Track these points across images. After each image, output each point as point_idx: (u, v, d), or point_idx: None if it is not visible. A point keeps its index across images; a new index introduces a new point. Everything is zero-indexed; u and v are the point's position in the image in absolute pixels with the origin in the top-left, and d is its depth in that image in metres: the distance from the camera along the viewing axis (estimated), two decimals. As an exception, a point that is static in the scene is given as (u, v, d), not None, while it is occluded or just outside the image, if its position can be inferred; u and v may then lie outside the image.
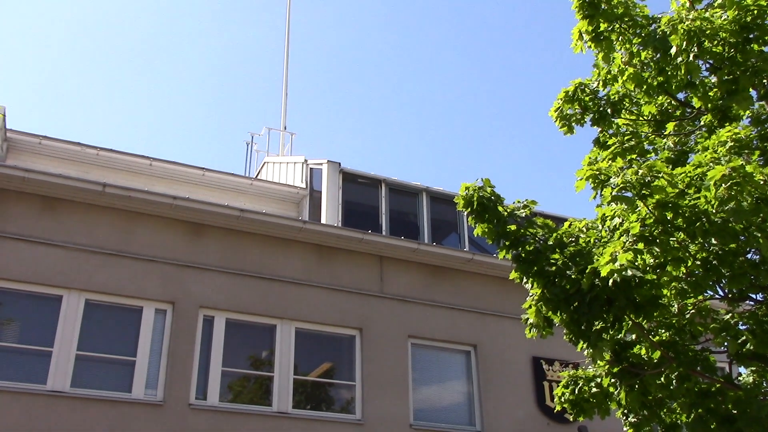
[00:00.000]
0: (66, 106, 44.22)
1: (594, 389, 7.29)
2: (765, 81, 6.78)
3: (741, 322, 6.67)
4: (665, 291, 6.54)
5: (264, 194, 16.87)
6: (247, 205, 13.62)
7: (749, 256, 6.42)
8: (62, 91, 42.94)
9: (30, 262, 10.92)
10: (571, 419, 12.97)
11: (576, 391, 7.42)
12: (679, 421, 7.45)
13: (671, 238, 6.10)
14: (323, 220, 15.71)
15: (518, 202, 6.92)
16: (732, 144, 6.25)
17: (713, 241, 6.10)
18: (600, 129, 8.10)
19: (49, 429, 9.99)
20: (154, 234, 11.94)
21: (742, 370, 7.34)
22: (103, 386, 10.76)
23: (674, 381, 6.67)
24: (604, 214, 7.00)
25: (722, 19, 6.63)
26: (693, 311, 6.84)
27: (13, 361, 10.73)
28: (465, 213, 6.95)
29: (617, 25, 7.22)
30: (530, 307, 6.75)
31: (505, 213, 6.78)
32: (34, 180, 11.29)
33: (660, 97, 7.86)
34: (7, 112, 14.08)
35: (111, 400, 10.60)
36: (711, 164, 6.05)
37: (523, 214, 6.84)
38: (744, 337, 6.57)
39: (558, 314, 6.50)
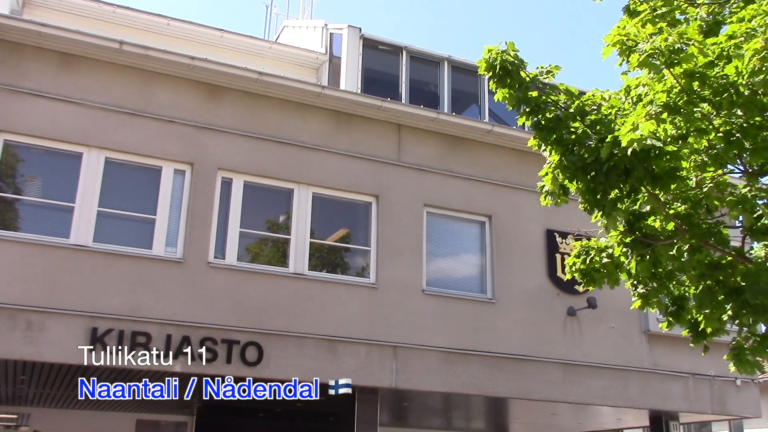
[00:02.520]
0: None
1: (605, 259, 7.37)
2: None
3: (758, 197, 6.63)
4: (684, 163, 6.47)
5: (283, 58, 16.64)
6: (265, 68, 13.41)
7: (774, 129, 6.30)
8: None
9: (49, 118, 10.94)
10: (581, 289, 13.33)
11: (587, 261, 7.51)
12: (687, 294, 7.58)
13: (696, 109, 5.98)
14: (342, 87, 15.54)
15: (541, 67, 6.77)
16: (768, 16, 6.00)
17: (738, 113, 5.99)
18: (631, -6, 7.79)
19: (74, 281, 10.31)
20: (172, 94, 11.87)
21: (754, 245, 7.37)
22: (125, 242, 11.01)
23: (686, 253, 6.72)
24: (628, 85, 6.87)
25: None
26: (711, 185, 6.78)
27: (38, 216, 10.97)
28: (486, 77, 6.82)
29: None
30: (547, 174, 6.73)
31: (527, 78, 6.65)
32: (51, 35, 11.12)
33: (695, -36, 7.52)
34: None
35: (132, 255, 10.87)
36: (744, 36, 5.86)
37: (546, 80, 6.70)
38: (760, 211, 6.55)
39: (574, 183, 6.49)
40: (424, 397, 13.74)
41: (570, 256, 7.83)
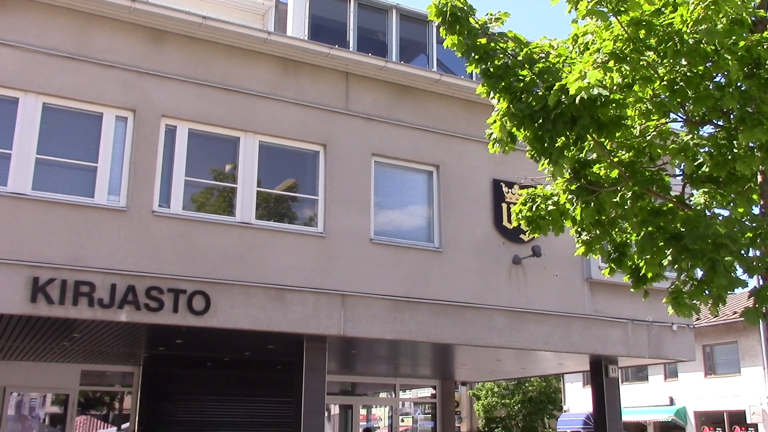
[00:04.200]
0: None
1: (551, 207, 7.50)
2: None
3: (700, 146, 6.79)
4: (629, 111, 6.58)
5: (228, 3, 16.21)
6: (210, 13, 13.06)
7: (717, 79, 6.43)
8: None
9: (-17, 61, 10.51)
10: (526, 238, 13.60)
11: (533, 209, 7.63)
12: (628, 241, 7.77)
13: (641, 57, 6.05)
14: (289, 34, 15.26)
15: (490, 14, 6.74)
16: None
17: (683, 62, 6.08)
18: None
19: (13, 230, 10.04)
20: (112, 38, 11.48)
21: (694, 192, 7.56)
22: (66, 191, 10.72)
23: (629, 200, 6.89)
24: (576, 34, 6.89)
25: None
26: (654, 133, 6.93)
27: (-28, 163, 10.63)
28: (435, 25, 6.78)
29: None
30: (495, 122, 6.77)
31: (477, 26, 6.62)
32: (-18, -26, 10.63)
33: None
34: None
35: (74, 204, 10.61)
36: (690, -17, 5.91)
37: (495, 28, 6.68)
38: (701, 159, 6.72)
39: (522, 130, 6.55)
40: (371, 344, 13.90)
41: (516, 204, 7.94)
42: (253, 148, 12.27)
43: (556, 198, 7.43)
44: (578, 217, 7.14)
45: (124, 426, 18.06)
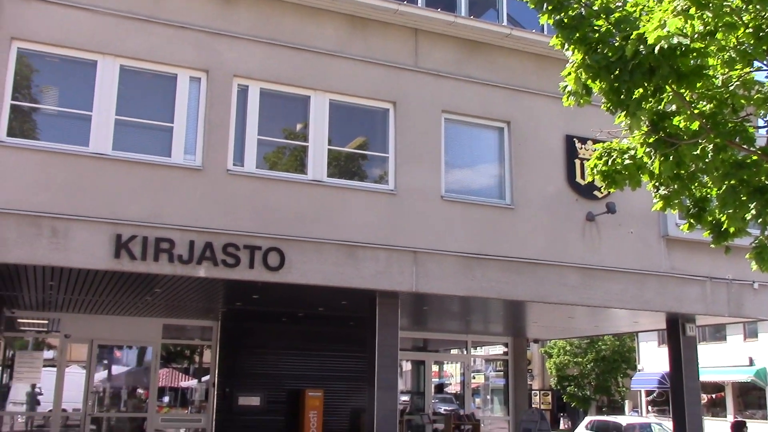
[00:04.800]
0: None
1: (627, 161, 7.30)
2: None
3: (786, 94, 6.50)
4: (711, 61, 6.33)
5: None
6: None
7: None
8: None
9: (61, 25, 10.79)
10: (602, 193, 13.39)
11: (609, 163, 7.44)
12: (708, 195, 7.55)
13: (725, 3, 5.79)
14: (358, -10, 15.16)
15: (565, -38, 6.53)
16: None
17: (769, 7, 5.81)
18: None
19: (96, 189, 10.40)
20: (185, 0, 11.65)
21: (780, 144, 7.26)
22: (144, 150, 11.02)
23: (710, 152, 6.66)
24: (654, -20, 6.63)
25: None
26: (737, 83, 6.64)
27: (56, 125, 11.01)
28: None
29: None
30: (569, 74, 6.60)
31: (550, -26, 6.43)
32: (60, -61, 10.86)
33: None
34: None
35: (152, 164, 10.92)
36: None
37: (570, -24, 6.48)
38: (788, 110, 6.44)
39: (597, 82, 6.37)
40: (443, 300, 13.96)
41: (591, 159, 7.77)
42: (324, 106, 12.34)
43: (633, 152, 7.23)
44: (656, 171, 6.95)
45: (204, 378, 18.73)
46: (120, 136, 10.88)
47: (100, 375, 17.93)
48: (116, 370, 18.78)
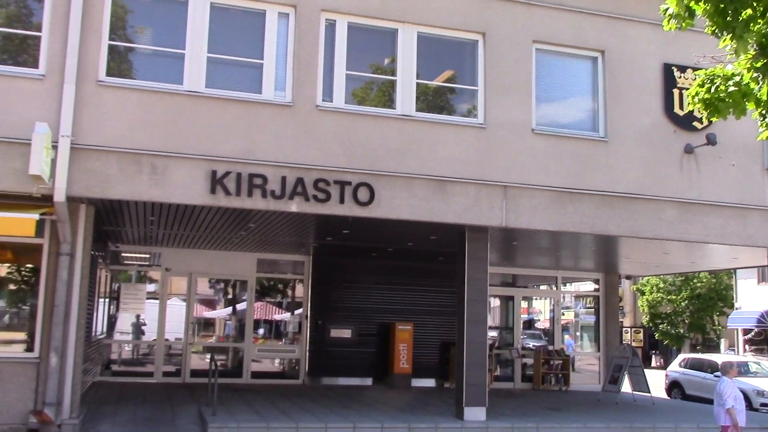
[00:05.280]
0: None
1: (732, 87, 6.94)
2: None
3: None
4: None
5: None
6: None
7: None
8: None
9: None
10: (702, 123, 12.88)
11: (712, 90, 7.09)
12: (820, 123, 7.13)
13: None
14: None
15: None
16: None
17: None
18: None
19: (191, 126, 10.66)
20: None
21: None
22: (236, 88, 11.19)
23: (823, 76, 6.26)
24: None
25: None
26: None
27: (151, 64, 11.26)
28: None
29: None
30: (672, -5, 6.28)
31: None
32: None
33: None
34: None
35: (244, 100, 11.08)
36: None
37: None
38: None
39: (701, 4, 6.05)
40: (533, 235, 13.82)
41: (692, 87, 7.41)
42: (411, 39, 12.18)
43: (738, 78, 6.87)
44: (763, 98, 6.60)
45: (297, 312, 19.30)
46: (212, 73, 11.05)
47: (199, 307, 18.71)
48: (214, 302, 19.59)
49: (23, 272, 11.49)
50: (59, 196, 9.76)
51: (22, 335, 11.06)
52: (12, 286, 11.56)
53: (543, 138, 12.63)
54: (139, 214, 12.43)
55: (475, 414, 12.48)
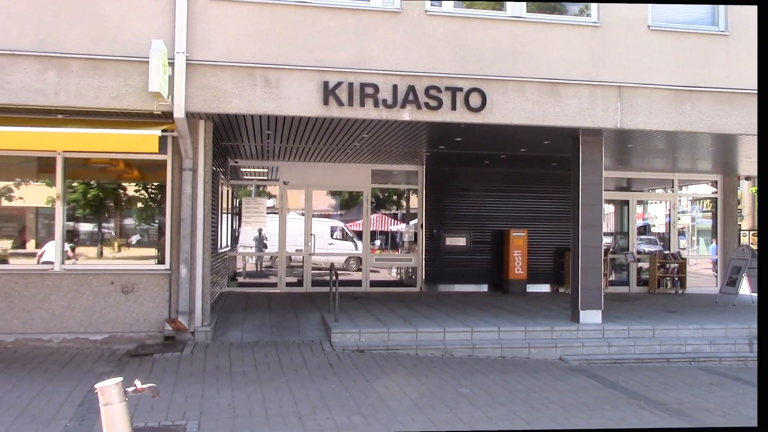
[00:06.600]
0: None
1: None
2: None
3: None
4: None
5: None
6: None
7: None
8: None
9: None
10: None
11: None
12: None
13: None
14: None
15: None
16: None
17: None
18: None
19: (302, 37, 10.82)
20: None
21: None
22: (344, -2, 11.27)
23: None
24: None
25: None
26: None
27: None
28: None
29: None
30: None
31: None
32: None
33: None
34: None
35: (352, 9, 11.15)
36: None
37: None
38: None
39: None
40: (649, 137, 13.48)
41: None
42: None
43: None
44: None
45: (411, 222, 19.72)
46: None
47: (317, 219, 19.38)
48: (331, 214, 20.25)
49: (150, 190, 12.29)
50: (179, 113, 10.20)
51: (152, 251, 11.94)
52: (140, 204, 12.40)
53: (659, 35, 12.16)
54: (255, 128, 12.90)
55: (591, 317, 12.63)
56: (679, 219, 21.88)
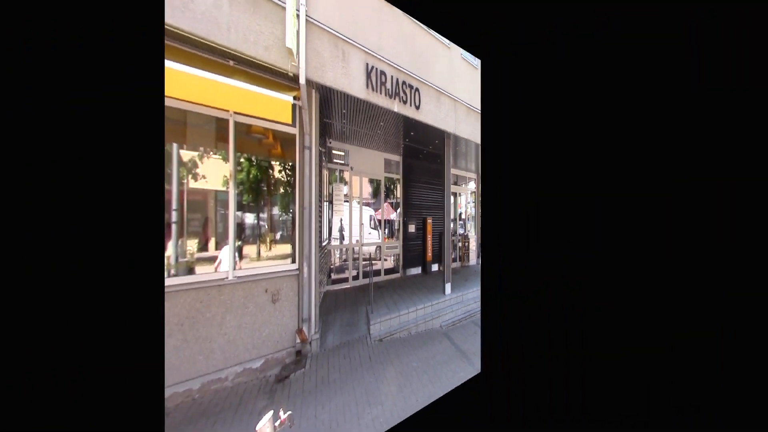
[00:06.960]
0: None
1: None
2: None
3: None
4: None
5: None
6: None
7: None
8: None
9: None
10: None
11: None
12: None
13: None
14: None
15: None
16: None
17: None
18: None
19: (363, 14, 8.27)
20: None
21: None
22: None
23: None
24: None
25: None
26: None
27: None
28: None
29: None
30: None
31: None
32: None
33: None
34: None
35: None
36: None
37: None
38: None
39: None
40: (463, 142, 12.20)
41: None
42: None
43: None
44: None
45: (398, 210, 17.91)
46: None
47: (365, 208, 16.93)
48: (370, 203, 17.62)
49: (287, 171, 10.11)
50: (303, 77, 7.32)
51: (287, 247, 10.11)
52: (281, 190, 10.19)
53: (464, 64, 10.99)
54: (333, 106, 9.76)
55: (448, 289, 11.63)
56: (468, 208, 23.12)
